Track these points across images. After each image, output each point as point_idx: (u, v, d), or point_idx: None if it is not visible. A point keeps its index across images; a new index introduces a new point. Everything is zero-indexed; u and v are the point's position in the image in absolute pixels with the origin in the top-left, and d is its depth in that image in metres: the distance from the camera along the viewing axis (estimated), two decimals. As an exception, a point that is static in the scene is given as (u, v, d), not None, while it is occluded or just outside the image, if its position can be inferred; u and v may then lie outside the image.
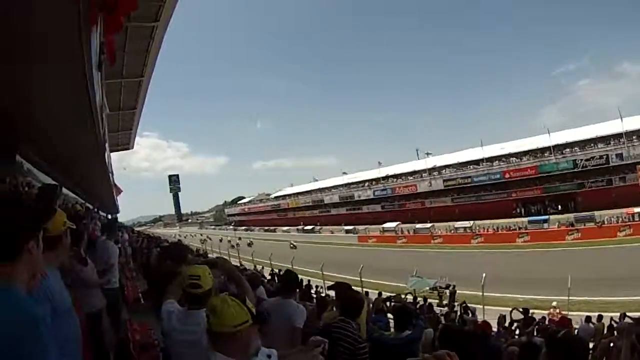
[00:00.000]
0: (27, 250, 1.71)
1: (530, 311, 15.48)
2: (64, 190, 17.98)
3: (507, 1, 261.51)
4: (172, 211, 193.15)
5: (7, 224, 1.67)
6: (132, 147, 34.03)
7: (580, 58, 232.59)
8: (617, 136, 54.22)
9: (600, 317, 14.81)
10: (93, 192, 25.73)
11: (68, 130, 10.02)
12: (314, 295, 17.53)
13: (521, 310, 15.36)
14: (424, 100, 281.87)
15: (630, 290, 21.26)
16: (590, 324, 14.35)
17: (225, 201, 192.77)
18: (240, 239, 74.98)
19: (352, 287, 6.25)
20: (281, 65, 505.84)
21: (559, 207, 56.46)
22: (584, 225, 42.62)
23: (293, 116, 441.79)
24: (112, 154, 25.14)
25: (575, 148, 58.83)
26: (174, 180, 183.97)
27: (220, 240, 71.18)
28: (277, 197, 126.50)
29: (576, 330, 13.34)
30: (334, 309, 5.96)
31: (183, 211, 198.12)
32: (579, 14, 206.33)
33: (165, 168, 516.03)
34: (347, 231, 70.77)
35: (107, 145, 15.95)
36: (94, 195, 27.09)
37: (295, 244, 63.40)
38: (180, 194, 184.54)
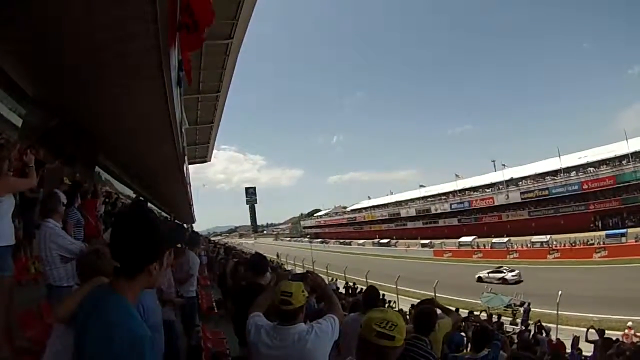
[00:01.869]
0: (149, 270, 1.81)
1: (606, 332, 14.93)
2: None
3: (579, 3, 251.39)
4: (248, 222, 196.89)
5: (139, 243, 1.78)
6: (210, 160, 35.11)
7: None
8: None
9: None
10: (171, 202, 26.79)
11: (149, 142, 10.65)
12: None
13: (597, 330, 14.83)
14: (500, 110, 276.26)
15: None
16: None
17: (301, 213, 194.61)
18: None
19: (437, 303, 6.16)
20: (358, 78, 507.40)
21: (638, 219, 53.59)
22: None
23: (370, 129, 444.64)
24: (190, 166, 26.07)
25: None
26: (250, 192, 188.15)
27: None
28: (353, 210, 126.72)
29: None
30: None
31: (259, 222, 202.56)
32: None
33: (241, 180, 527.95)
34: (423, 245, 69.93)
35: (185, 157, 16.70)
36: (172, 205, 28.19)
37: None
38: (256, 205, 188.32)
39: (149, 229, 1.83)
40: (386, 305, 20.82)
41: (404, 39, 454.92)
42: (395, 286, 28.87)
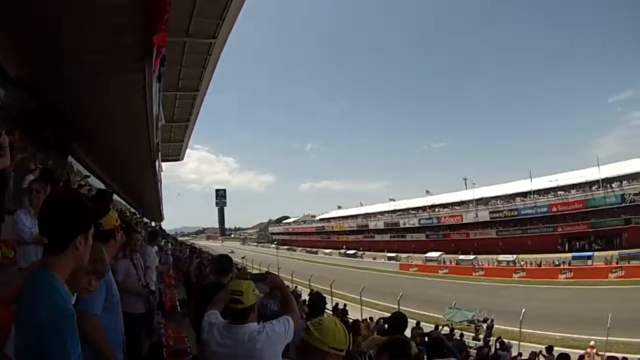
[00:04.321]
0: (75, 245, 1.86)
1: (568, 350, 15.41)
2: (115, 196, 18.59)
3: (561, 27, 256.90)
4: (216, 224, 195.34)
5: (59, 218, 1.85)
6: (182, 159, 34.79)
7: (636, 85, 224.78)
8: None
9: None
10: (140, 198, 26.50)
11: (125, 134, 10.57)
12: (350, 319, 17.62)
13: (546, 347, 15.49)
14: (475, 130, 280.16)
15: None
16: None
17: (270, 219, 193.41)
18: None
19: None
20: (335, 89, 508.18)
21: (604, 243, 54.61)
22: (629, 262, 41.19)
23: (344, 140, 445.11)
24: (162, 163, 25.89)
25: (625, 182, 57.20)
26: (220, 194, 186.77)
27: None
28: (322, 219, 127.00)
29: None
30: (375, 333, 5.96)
31: (227, 225, 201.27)
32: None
33: (212, 181, 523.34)
34: (389, 258, 70.22)
35: (159, 154, 16.55)
36: (141, 202, 27.89)
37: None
38: (225, 208, 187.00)
39: (68, 204, 1.91)
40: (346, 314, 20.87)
41: (386, 54, 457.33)
42: (359, 297, 28.82)
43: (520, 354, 18.06)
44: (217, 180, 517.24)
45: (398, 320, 5.49)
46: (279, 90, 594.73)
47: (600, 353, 17.68)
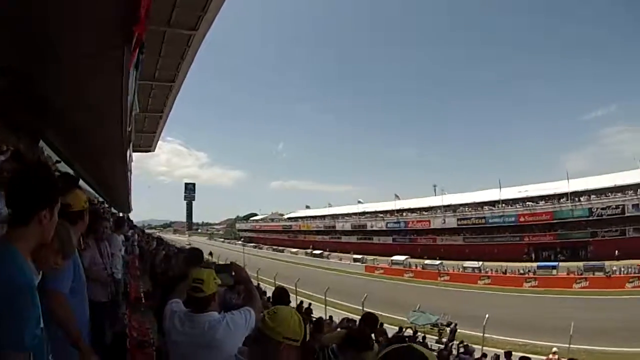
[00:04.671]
0: (39, 218, 1.87)
1: (530, 356, 15.40)
2: (82, 183, 18.23)
3: (539, 42, 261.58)
4: (184, 218, 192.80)
5: (26, 189, 1.87)
6: (154, 150, 34.37)
7: (609, 104, 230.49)
8: (636, 186, 54.45)
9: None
10: (109, 188, 26.06)
11: (97, 121, 10.34)
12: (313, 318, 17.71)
13: (505, 352, 15.67)
14: (447, 138, 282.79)
15: (633, 342, 21.38)
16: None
17: (237, 216, 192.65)
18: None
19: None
20: (310, 90, 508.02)
21: (570, 254, 55.61)
22: (593, 274, 42.14)
23: (316, 141, 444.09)
24: (133, 153, 25.53)
25: (593, 196, 58.57)
26: (189, 188, 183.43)
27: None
28: (290, 218, 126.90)
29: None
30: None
31: (194, 220, 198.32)
32: (612, 59, 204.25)
33: (182, 175, 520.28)
34: (355, 259, 70.12)
35: (131, 144, 16.29)
36: (110, 191, 27.44)
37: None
38: (194, 202, 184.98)
39: (36, 176, 1.95)
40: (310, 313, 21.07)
41: (360, 59, 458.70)
42: (324, 297, 29.17)
43: (481, 358, 18.38)
44: (187, 174, 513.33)
45: (370, 320, 5.61)
46: (255, 87, 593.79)
47: (562, 359, 17.99)
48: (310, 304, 25.10)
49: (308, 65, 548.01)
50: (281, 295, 6.42)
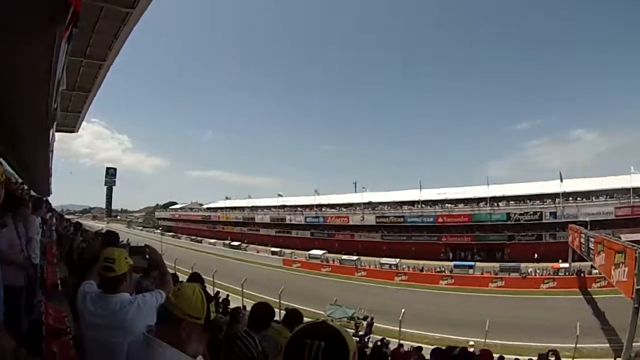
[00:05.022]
0: None
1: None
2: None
3: (470, 52, 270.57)
4: (104, 204, 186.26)
5: None
6: (77, 131, 32.88)
7: (534, 119, 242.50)
8: (554, 196, 57.43)
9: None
10: (29, 168, 24.66)
11: (21, 95, 9.51)
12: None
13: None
14: (372, 137, 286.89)
15: (546, 338, 22.28)
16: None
17: (157, 204, 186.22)
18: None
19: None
20: (241, 79, 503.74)
21: (487, 256, 57.54)
22: (509, 274, 43.69)
23: (243, 132, 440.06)
24: (56, 133, 24.20)
25: (512, 202, 61.33)
26: (110, 173, 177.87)
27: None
28: (209, 209, 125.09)
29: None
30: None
31: (114, 207, 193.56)
32: (540, 74, 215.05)
33: (105, 159, 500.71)
34: (273, 252, 70.35)
35: (55, 123, 15.30)
36: (29, 172, 26.01)
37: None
38: (114, 188, 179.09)
39: None
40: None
41: (288, 54, 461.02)
42: (241, 289, 29.42)
43: (398, 348, 18.50)
44: (109, 157, 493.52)
45: (294, 316, 5.55)
46: (184, 74, 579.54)
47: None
48: (228, 295, 25.31)
49: (241, 54, 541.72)
50: (194, 280, 6.18)
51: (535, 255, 50.40)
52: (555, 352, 14.23)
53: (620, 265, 22.43)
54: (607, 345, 22.74)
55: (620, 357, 19.94)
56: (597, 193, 56.39)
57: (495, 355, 16.27)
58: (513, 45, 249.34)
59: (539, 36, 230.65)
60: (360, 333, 24.75)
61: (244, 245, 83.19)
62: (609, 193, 55.75)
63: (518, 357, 16.39)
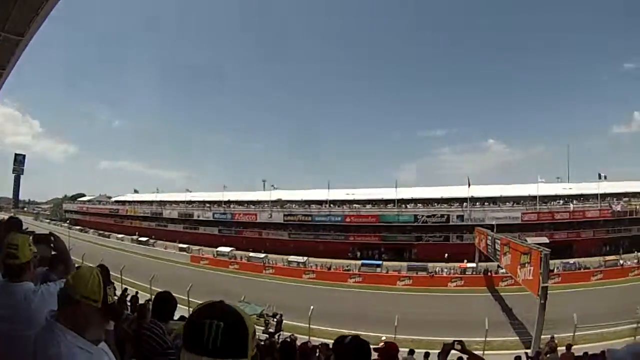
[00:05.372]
0: None
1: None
2: None
3: (390, 57, 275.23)
4: (10, 194, 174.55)
5: None
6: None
7: (449, 127, 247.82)
8: (463, 200, 59.71)
9: (427, 354, 15.98)
10: None
11: None
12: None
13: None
14: (281, 136, 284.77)
15: (456, 333, 22.79)
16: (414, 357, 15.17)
17: (65, 195, 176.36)
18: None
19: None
20: (148, 64, 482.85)
21: (394, 255, 58.77)
22: (417, 273, 44.99)
23: (155, 122, 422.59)
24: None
25: (420, 205, 63.47)
26: (19, 160, 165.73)
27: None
28: (117, 202, 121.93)
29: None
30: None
31: (22, 197, 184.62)
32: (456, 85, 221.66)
33: (14, 145, 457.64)
34: (181, 249, 69.58)
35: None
36: None
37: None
38: (22, 177, 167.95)
39: None
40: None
41: (198, 42, 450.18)
42: (149, 286, 29.42)
43: (307, 343, 18.79)
44: (19, 143, 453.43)
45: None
46: (102, 57, 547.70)
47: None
48: (136, 292, 24.65)
49: (161, 47, 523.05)
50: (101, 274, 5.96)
51: (446, 255, 51.95)
52: (460, 342, 14.87)
53: (526, 265, 23.81)
54: (517, 338, 24.07)
55: (529, 349, 20.97)
56: (505, 199, 59.75)
57: (405, 349, 16.97)
58: (443, 58, 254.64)
59: (468, 48, 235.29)
60: (270, 330, 24.91)
61: (151, 241, 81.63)
62: (516, 200, 59.34)
63: (429, 351, 16.91)
